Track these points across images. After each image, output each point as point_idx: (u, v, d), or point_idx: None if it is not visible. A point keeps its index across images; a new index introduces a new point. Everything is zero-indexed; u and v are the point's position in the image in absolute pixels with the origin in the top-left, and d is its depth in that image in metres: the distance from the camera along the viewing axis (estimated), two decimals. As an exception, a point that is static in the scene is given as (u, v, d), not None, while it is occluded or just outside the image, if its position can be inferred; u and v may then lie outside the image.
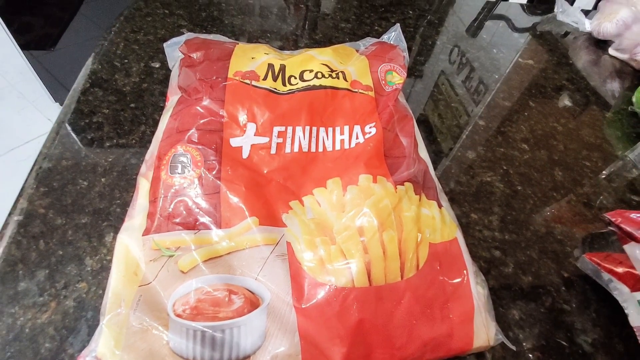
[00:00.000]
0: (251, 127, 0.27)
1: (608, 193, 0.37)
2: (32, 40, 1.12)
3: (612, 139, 0.44)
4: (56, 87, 1.25)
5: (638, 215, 0.24)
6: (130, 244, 0.23)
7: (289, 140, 0.27)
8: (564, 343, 0.26)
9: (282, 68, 0.30)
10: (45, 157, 0.31)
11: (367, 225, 0.23)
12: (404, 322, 0.22)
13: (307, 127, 0.28)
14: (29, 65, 1.15)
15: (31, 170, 0.30)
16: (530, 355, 0.25)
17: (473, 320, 0.22)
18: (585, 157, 0.41)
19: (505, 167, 0.38)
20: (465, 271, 0.24)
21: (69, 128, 0.34)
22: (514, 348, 0.25)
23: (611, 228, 0.25)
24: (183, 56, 0.31)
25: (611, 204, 0.36)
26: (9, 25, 1.04)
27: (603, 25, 0.57)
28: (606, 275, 0.28)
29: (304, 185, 0.26)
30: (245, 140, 0.27)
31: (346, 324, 0.21)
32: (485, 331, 0.23)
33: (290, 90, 0.29)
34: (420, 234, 0.24)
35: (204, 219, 0.23)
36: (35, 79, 1.20)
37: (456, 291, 0.23)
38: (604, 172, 0.40)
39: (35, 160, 0.31)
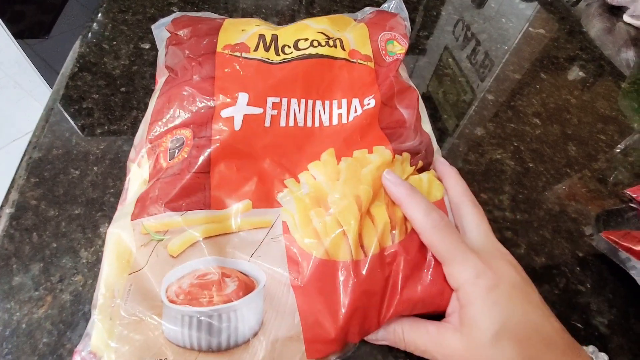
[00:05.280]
0: (243, 97, 0.25)
1: (624, 168, 0.36)
2: (25, 29, 1.09)
3: (628, 110, 0.42)
4: (52, 75, 1.23)
5: (661, 190, 0.23)
6: (122, 232, 0.21)
7: (283, 113, 0.25)
8: (579, 325, 0.25)
9: (275, 38, 0.28)
10: (35, 146, 0.30)
11: (362, 194, 0.22)
12: (396, 285, 0.21)
13: (303, 100, 0.26)
14: (24, 54, 1.12)
15: (21, 160, 0.29)
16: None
17: None
18: (600, 131, 0.39)
19: (515, 144, 0.36)
20: None
21: (58, 115, 0.32)
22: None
23: (632, 205, 0.23)
24: (170, 35, 0.29)
25: (627, 179, 0.35)
26: (1, 14, 1.01)
27: (619, -11, 0.54)
28: (623, 254, 0.26)
29: (300, 162, 0.24)
30: (237, 110, 0.24)
31: (345, 295, 0.20)
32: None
33: (284, 59, 0.27)
34: None
35: (193, 200, 0.22)
36: (31, 68, 1.17)
37: None
38: (619, 145, 0.38)
39: (25, 150, 0.30)
